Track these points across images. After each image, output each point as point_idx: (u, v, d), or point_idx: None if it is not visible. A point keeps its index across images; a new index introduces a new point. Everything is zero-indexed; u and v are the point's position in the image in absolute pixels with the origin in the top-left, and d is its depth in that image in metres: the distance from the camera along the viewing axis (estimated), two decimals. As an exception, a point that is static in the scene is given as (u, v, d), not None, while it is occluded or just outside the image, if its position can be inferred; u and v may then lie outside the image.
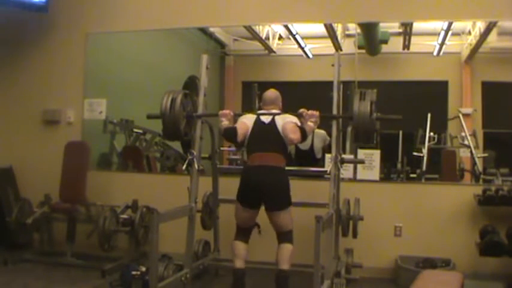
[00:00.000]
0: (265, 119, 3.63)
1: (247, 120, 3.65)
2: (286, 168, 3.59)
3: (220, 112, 3.70)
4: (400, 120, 3.60)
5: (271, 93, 3.80)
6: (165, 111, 3.70)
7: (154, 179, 5.22)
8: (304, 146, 4.83)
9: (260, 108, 3.86)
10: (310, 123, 3.52)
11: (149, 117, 3.88)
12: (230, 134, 3.57)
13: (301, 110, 3.55)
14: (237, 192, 3.53)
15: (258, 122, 3.62)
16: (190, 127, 3.88)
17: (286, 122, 3.54)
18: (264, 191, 3.42)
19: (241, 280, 3.42)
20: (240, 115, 3.78)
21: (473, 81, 5.10)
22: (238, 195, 3.52)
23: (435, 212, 4.37)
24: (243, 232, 3.55)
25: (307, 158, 4.90)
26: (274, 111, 3.68)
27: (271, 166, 3.45)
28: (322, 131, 4.79)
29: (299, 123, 3.54)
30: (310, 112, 3.53)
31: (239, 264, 3.45)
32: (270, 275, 3.47)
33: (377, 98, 3.54)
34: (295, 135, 3.44)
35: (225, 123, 3.62)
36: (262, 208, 3.49)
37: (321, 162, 4.77)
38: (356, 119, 3.51)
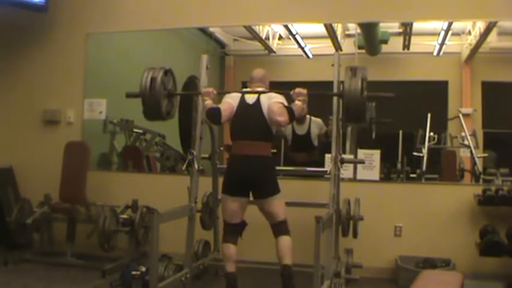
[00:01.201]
0: (250, 99, 3.45)
1: (231, 100, 3.48)
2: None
3: (203, 90, 3.57)
4: (391, 98, 3.45)
5: (258, 71, 3.63)
6: (145, 90, 3.53)
7: (154, 179, 5.23)
8: (301, 131, 4.85)
9: (246, 87, 3.68)
10: (298, 102, 3.36)
11: (128, 95, 3.67)
12: (214, 114, 3.39)
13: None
14: (222, 185, 3.43)
15: (242, 103, 3.45)
16: (172, 106, 3.75)
17: (272, 103, 3.35)
18: (251, 181, 3.32)
19: (233, 284, 3.37)
20: (224, 93, 3.65)
21: (473, 81, 5.10)
22: (225, 186, 3.41)
23: (435, 212, 4.37)
24: (232, 231, 3.42)
25: (304, 144, 4.87)
26: (259, 89, 3.51)
27: (256, 156, 3.33)
28: (319, 119, 4.83)
29: (286, 103, 3.37)
30: (297, 90, 3.38)
31: (230, 268, 3.37)
32: (267, 275, 3.47)
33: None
34: (282, 117, 3.28)
35: (208, 102, 3.45)
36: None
37: (316, 153, 4.77)
38: (347, 97, 3.33)
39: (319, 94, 3.63)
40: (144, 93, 3.54)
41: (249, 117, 3.40)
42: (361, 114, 3.43)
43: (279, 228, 3.35)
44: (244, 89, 3.60)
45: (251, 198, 3.44)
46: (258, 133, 3.37)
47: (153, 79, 3.53)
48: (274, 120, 3.32)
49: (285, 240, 3.31)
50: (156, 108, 3.58)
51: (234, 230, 3.43)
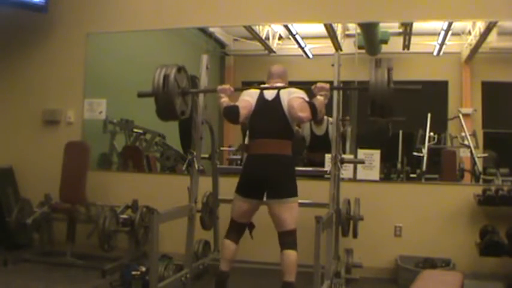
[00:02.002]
0: (269, 95, 3.27)
1: (250, 98, 3.30)
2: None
3: (219, 87, 3.42)
4: (419, 90, 3.30)
5: (277, 66, 3.49)
6: (158, 88, 3.37)
7: (154, 179, 5.22)
8: (320, 131, 4.92)
9: (264, 83, 3.49)
10: (320, 97, 3.19)
11: (140, 95, 3.52)
12: (231, 113, 3.21)
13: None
14: (237, 183, 3.28)
15: (261, 99, 3.27)
16: (186, 105, 3.61)
17: (292, 98, 3.17)
18: (266, 180, 3.14)
19: (224, 283, 3.25)
20: (241, 90, 3.47)
21: (473, 81, 5.09)
22: (239, 185, 3.27)
23: (435, 212, 4.37)
24: (236, 229, 3.28)
25: (323, 144, 4.83)
26: (278, 84, 3.35)
27: (275, 154, 3.16)
28: None
29: (307, 98, 3.19)
30: (319, 85, 3.23)
31: (225, 266, 3.24)
32: (267, 275, 3.46)
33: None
34: (304, 113, 3.09)
35: (224, 100, 3.31)
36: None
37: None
38: (373, 89, 3.13)
39: (343, 89, 3.50)
40: (157, 92, 3.38)
41: (268, 114, 3.23)
42: (387, 108, 3.22)
43: (286, 240, 3.12)
44: (263, 85, 3.43)
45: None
46: (277, 130, 3.20)
47: (166, 77, 3.38)
48: (296, 116, 3.14)
49: (291, 256, 3.08)
50: (170, 107, 3.42)
51: (239, 229, 3.29)
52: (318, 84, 3.25)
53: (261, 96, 3.30)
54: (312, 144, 5.00)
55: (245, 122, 3.31)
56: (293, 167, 3.26)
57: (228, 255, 3.26)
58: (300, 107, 3.12)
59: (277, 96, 3.25)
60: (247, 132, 3.39)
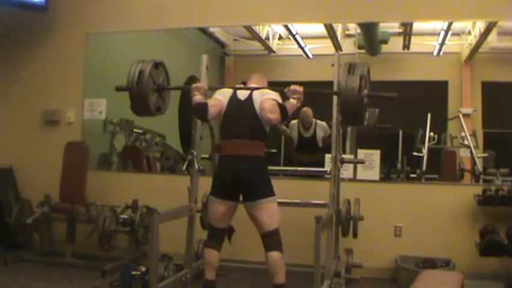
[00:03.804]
0: (242, 95, 3.23)
1: (221, 97, 3.25)
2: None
3: (193, 85, 3.37)
4: (394, 98, 3.20)
5: (257, 74, 3.48)
6: (132, 83, 3.36)
7: (154, 179, 5.23)
8: (307, 133, 5.15)
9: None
10: (292, 100, 3.16)
11: (117, 89, 3.52)
12: (200, 110, 3.19)
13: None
14: (211, 187, 3.23)
15: (233, 99, 3.23)
16: (163, 101, 3.58)
17: (264, 99, 3.12)
18: (240, 183, 3.09)
19: None
20: (215, 89, 3.44)
21: (473, 81, 5.10)
22: (213, 188, 3.21)
23: (435, 212, 4.37)
24: (215, 235, 3.21)
25: (310, 145, 5.11)
26: (252, 85, 3.31)
27: (248, 156, 3.10)
28: (324, 123, 5.05)
29: (280, 100, 3.14)
30: (292, 88, 3.17)
31: (210, 275, 3.19)
32: (266, 275, 3.46)
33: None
34: (273, 115, 3.04)
35: (198, 97, 3.27)
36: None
37: (321, 154, 4.78)
38: (343, 95, 3.11)
39: (316, 92, 3.57)
40: (131, 86, 3.38)
41: (241, 114, 3.18)
42: (358, 115, 3.19)
43: (269, 241, 3.08)
44: (237, 85, 3.43)
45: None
46: (249, 131, 3.14)
47: (141, 72, 3.37)
48: (265, 117, 3.08)
49: (275, 257, 3.04)
50: (144, 103, 3.40)
51: (219, 235, 3.23)
52: (292, 87, 3.20)
53: (233, 96, 3.26)
54: (300, 146, 5.20)
55: (214, 119, 3.28)
56: (266, 168, 3.21)
57: (211, 264, 3.21)
58: (271, 108, 3.07)
59: (250, 96, 3.21)
60: (220, 133, 3.34)
